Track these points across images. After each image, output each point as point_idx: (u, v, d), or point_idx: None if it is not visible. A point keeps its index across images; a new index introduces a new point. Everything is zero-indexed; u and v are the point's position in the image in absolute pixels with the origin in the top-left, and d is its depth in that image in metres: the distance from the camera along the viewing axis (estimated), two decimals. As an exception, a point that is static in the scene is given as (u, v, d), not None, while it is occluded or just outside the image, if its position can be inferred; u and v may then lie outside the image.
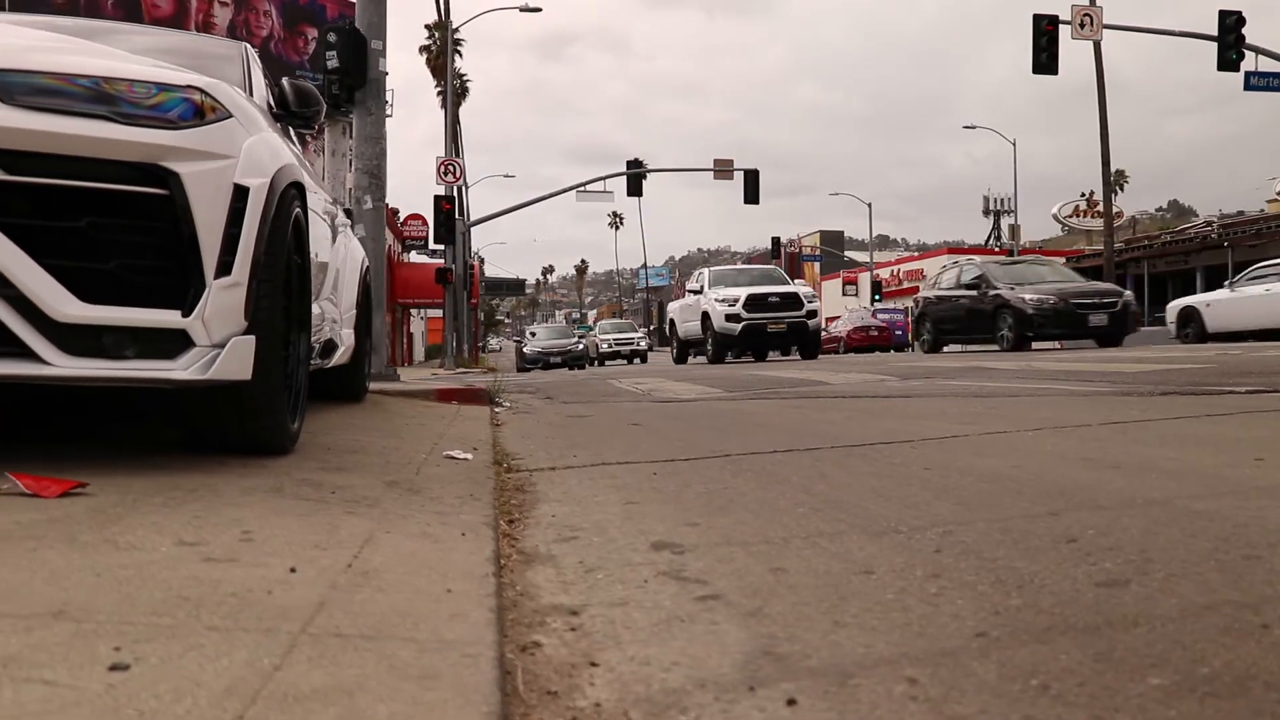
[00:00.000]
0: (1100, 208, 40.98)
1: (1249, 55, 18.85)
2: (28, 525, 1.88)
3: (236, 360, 2.77)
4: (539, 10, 25.26)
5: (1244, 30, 18.48)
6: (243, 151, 2.80)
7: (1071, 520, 2.29)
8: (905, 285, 55.49)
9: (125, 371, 2.58)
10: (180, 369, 2.65)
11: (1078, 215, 54.21)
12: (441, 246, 24.34)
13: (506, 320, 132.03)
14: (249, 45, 4.62)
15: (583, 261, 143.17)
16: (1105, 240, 28.23)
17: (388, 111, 9.04)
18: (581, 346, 25.21)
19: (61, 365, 2.48)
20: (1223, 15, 18.56)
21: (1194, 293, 33.04)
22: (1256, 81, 19.34)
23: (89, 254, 2.52)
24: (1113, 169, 26.43)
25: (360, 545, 1.97)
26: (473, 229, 29.39)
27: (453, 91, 25.00)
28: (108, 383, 2.60)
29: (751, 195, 27.11)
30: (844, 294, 56.63)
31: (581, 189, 29.39)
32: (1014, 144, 40.49)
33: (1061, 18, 18.72)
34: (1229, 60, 18.56)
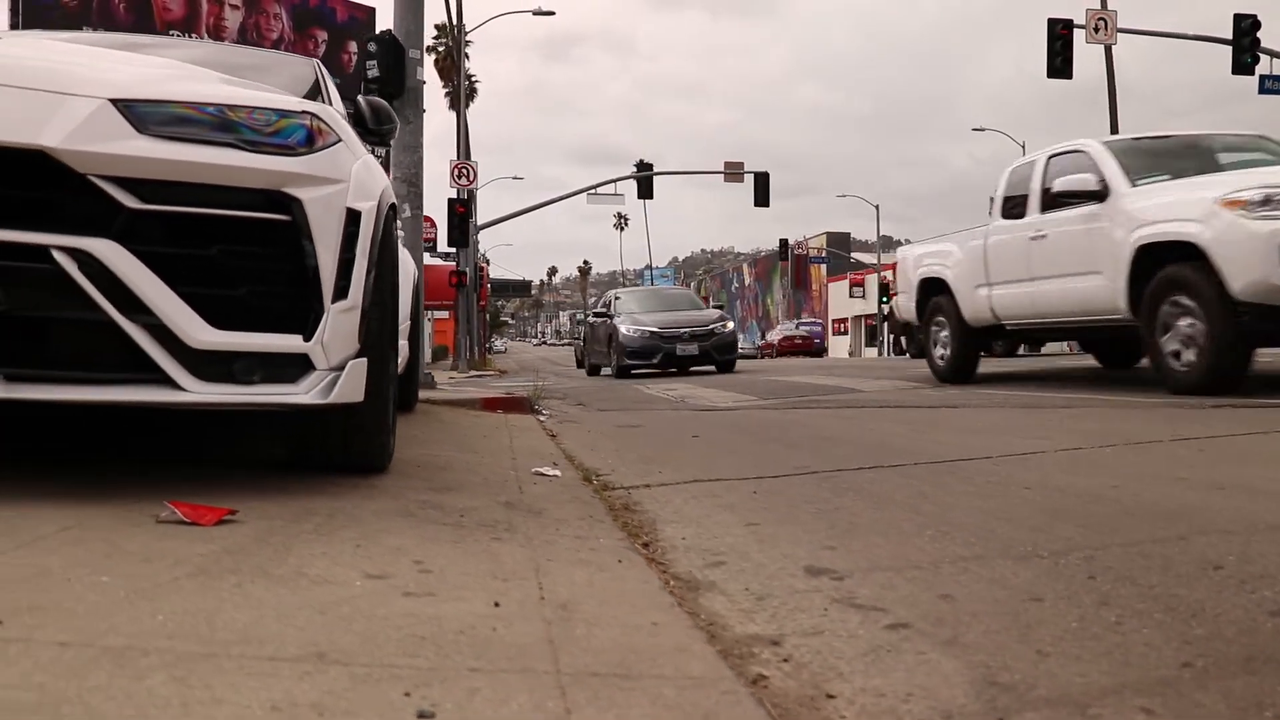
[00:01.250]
0: None
1: (1263, 59, 18.92)
2: (210, 557, 1.90)
3: (353, 383, 2.81)
4: (552, 14, 25.33)
5: (1258, 34, 18.57)
6: (352, 175, 2.83)
7: (1204, 545, 2.33)
8: None
9: (253, 396, 2.61)
10: (302, 393, 2.68)
11: None
12: (452, 249, 24.33)
13: (510, 321, 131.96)
14: (319, 62, 4.65)
15: (586, 263, 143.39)
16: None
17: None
18: (730, 327, 17.87)
19: (196, 391, 2.51)
20: (1237, 19, 18.64)
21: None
22: (1271, 85, 19.42)
23: (219, 280, 2.55)
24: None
25: (533, 575, 2.00)
26: (480, 231, 29.43)
27: (463, 94, 25.00)
28: (236, 408, 2.63)
29: (762, 198, 27.16)
30: (851, 296, 56.55)
31: (592, 191, 29.47)
32: (1023, 146, 40.58)
33: (1076, 22, 18.81)
34: (1244, 64, 18.64)
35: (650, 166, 29.02)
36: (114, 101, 2.51)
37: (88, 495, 2.45)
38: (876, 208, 51.52)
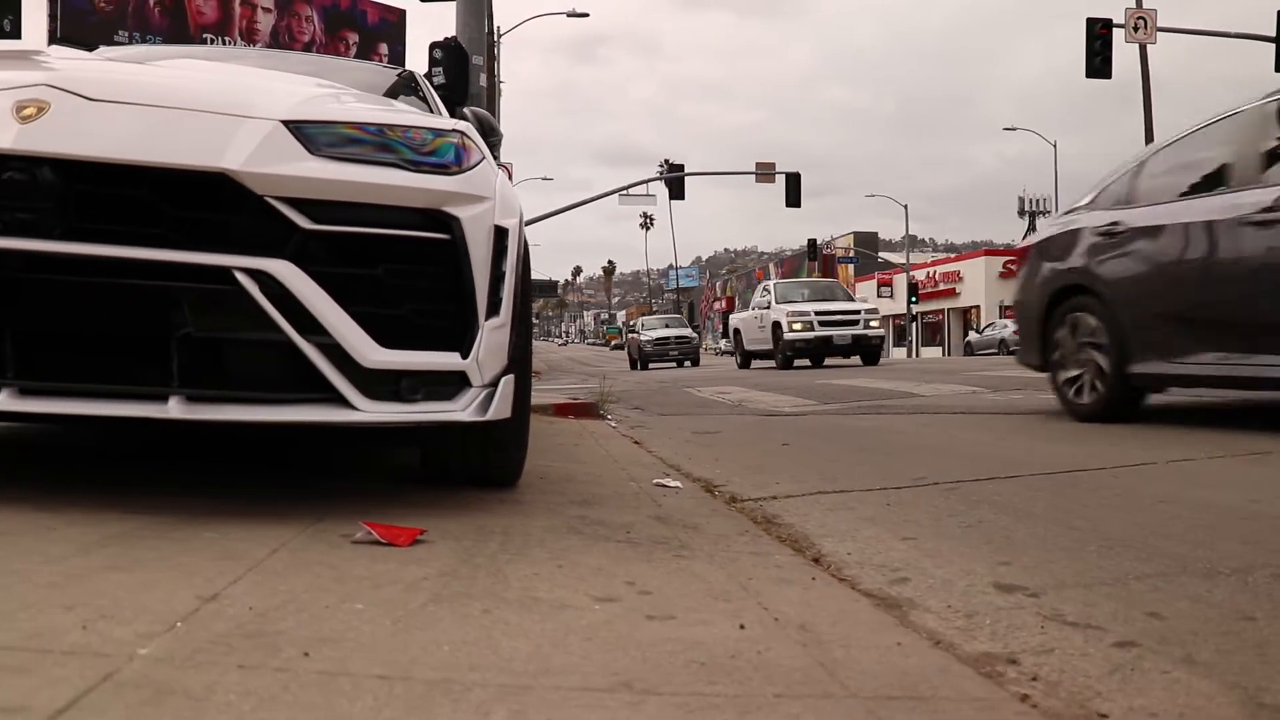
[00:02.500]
0: None
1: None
2: (436, 581, 1.93)
3: (505, 399, 2.84)
4: (586, 15, 25.36)
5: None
6: (496, 192, 2.86)
7: (1382, 562, 2.34)
8: (941, 287, 55.43)
9: (417, 415, 2.64)
10: (460, 410, 2.71)
11: None
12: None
13: (535, 321, 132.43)
14: (420, 74, 4.69)
15: (610, 263, 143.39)
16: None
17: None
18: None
19: (367, 411, 2.54)
20: (1281, 15, 18.57)
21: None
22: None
23: (385, 300, 2.58)
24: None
25: (746, 594, 2.03)
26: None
27: (495, 97, 25.06)
28: (402, 426, 2.67)
29: (793, 198, 27.17)
30: (879, 295, 56.38)
31: (624, 192, 29.57)
32: (1055, 146, 40.43)
33: (1115, 21, 18.74)
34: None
35: (681, 167, 29.02)
36: (286, 123, 2.55)
37: (257, 514, 2.49)
38: (905, 207, 51.44)
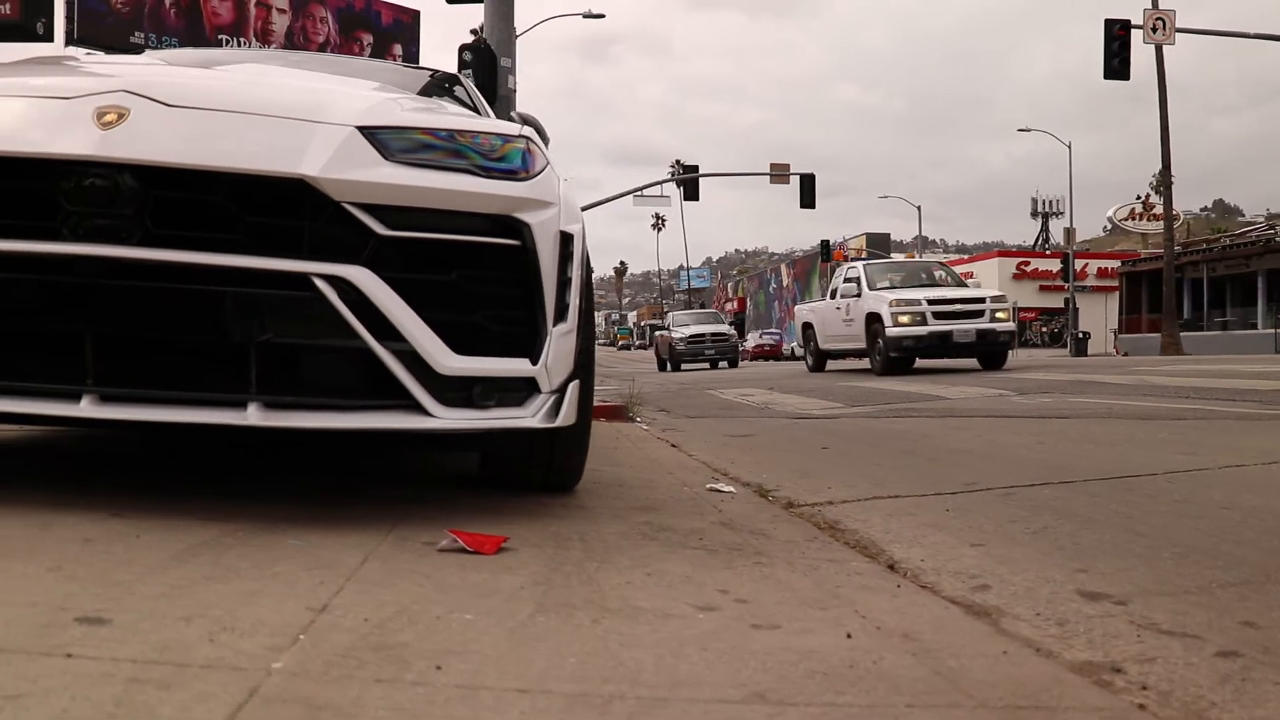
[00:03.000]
0: (1155, 211, 40.79)
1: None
2: (534, 590, 1.93)
3: (572, 405, 2.84)
4: (602, 16, 25.35)
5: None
6: (561, 198, 2.86)
7: None
8: None
9: (489, 422, 2.64)
10: (530, 416, 2.70)
11: (1133, 218, 53.89)
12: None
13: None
14: (463, 76, 4.68)
15: (621, 263, 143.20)
16: (1165, 244, 28.24)
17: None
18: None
19: (442, 417, 2.53)
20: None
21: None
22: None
23: (458, 306, 2.58)
24: (1156, 169, 26.37)
25: (840, 602, 2.03)
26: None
27: (515, 98, 25.09)
28: (474, 433, 2.67)
29: (808, 199, 27.14)
30: (892, 295, 56.40)
31: (639, 193, 29.60)
32: (1069, 146, 40.33)
33: (1133, 22, 18.67)
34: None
35: (696, 168, 29.01)
36: (361, 129, 2.54)
37: (332, 521, 2.49)
38: (919, 209, 51.35)
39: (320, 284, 2.37)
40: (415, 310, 2.47)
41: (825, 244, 54.03)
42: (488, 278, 2.63)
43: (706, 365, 27.64)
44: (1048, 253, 55.54)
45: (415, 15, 22.38)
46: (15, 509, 2.31)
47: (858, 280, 16.47)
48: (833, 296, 17.37)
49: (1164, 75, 20.92)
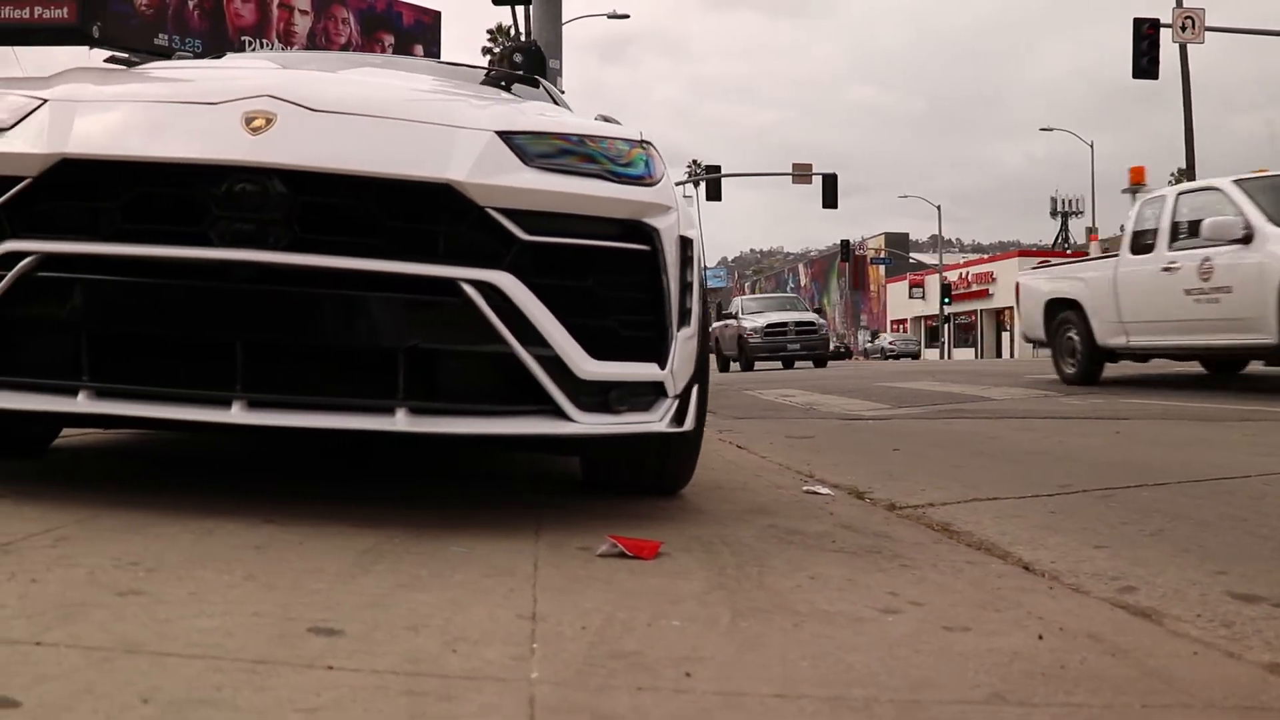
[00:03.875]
0: None
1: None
2: (716, 594, 1.95)
3: (695, 409, 2.86)
4: (626, 17, 25.37)
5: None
6: (678, 203, 2.87)
7: None
8: (974, 288, 55.47)
9: (624, 427, 2.65)
10: (658, 421, 2.72)
11: None
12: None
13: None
14: (545, 81, 4.70)
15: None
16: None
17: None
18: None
19: (582, 422, 2.55)
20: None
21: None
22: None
23: (594, 311, 2.59)
24: (1176, 168, 26.32)
25: (1010, 604, 2.04)
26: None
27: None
28: (608, 439, 2.68)
29: (830, 199, 27.16)
30: (910, 296, 56.21)
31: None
32: (1091, 146, 40.29)
33: (1162, 21, 18.60)
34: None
35: (718, 168, 29.03)
36: (500, 134, 2.56)
37: (479, 526, 2.51)
38: (938, 208, 51.42)
39: (468, 289, 2.38)
40: (556, 315, 2.49)
41: (845, 244, 53.97)
42: (620, 283, 2.65)
43: (779, 364, 22.19)
44: (1069, 252, 55.45)
45: (436, 16, 22.44)
46: (168, 514, 2.33)
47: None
48: None
49: (1188, 74, 20.85)
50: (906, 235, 67.56)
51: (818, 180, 27.87)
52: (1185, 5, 19.33)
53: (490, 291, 2.40)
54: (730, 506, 3.18)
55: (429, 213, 2.43)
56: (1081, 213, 60.08)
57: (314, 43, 21.20)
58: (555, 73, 8.25)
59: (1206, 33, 19.16)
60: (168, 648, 1.34)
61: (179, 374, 2.40)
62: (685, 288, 2.81)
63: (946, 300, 51.12)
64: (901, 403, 8.35)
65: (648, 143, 2.86)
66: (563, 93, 8.61)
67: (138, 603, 1.55)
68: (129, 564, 1.80)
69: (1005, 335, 53.34)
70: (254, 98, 2.46)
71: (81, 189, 2.40)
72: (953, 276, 56.23)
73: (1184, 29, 18.84)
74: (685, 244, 2.83)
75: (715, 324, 22.93)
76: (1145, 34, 18.49)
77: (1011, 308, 51.16)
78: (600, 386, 2.59)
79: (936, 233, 55.46)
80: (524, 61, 7.92)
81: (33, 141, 2.43)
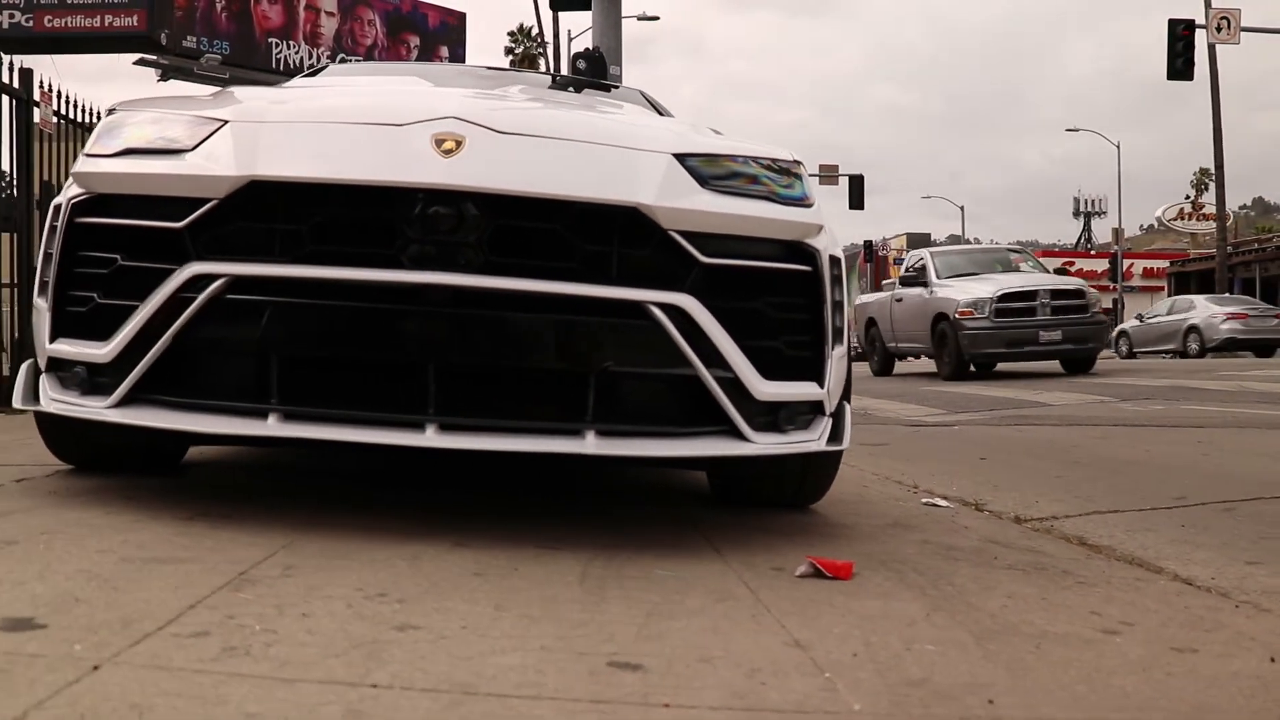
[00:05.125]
0: (1205, 210, 40.68)
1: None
2: (939, 615, 1.99)
3: (848, 427, 2.89)
4: (656, 19, 25.47)
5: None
6: (828, 222, 2.90)
7: None
8: None
9: (791, 447, 2.69)
10: (816, 439, 2.77)
11: (1182, 218, 53.61)
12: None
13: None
14: (644, 91, 4.73)
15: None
16: (1219, 245, 28.18)
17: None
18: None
19: (758, 442, 2.59)
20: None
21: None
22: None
23: (765, 332, 2.63)
24: (1197, 167, 26.29)
25: (1209, 623, 2.08)
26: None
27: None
28: (776, 457, 2.72)
29: (856, 200, 27.19)
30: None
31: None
32: (1118, 146, 40.25)
33: (1196, 21, 18.53)
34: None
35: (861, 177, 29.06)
36: (677, 156, 2.59)
37: (658, 547, 2.54)
38: (961, 209, 51.46)
39: (656, 312, 2.42)
40: (732, 337, 2.52)
41: (869, 244, 54.04)
42: (784, 304, 2.69)
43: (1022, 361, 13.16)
44: (1091, 252, 55.42)
45: (461, 17, 22.47)
46: (358, 537, 2.36)
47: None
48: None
49: (1217, 75, 20.80)
50: (929, 235, 67.37)
51: (843, 181, 27.88)
52: (1214, 5, 19.30)
53: (676, 314, 2.44)
54: (866, 521, 3.21)
55: (614, 235, 2.46)
56: (1104, 213, 60.00)
57: (340, 44, 21.26)
58: (615, 78, 8.29)
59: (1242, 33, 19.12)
60: (497, 688, 1.38)
61: (369, 397, 2.43)
62: (836, 306, 2.84)
63: (971, 300, 51.11)
64: (957, 407, 8.37)
65: (799, 162, 2.89)
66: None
67: (423, 638, 1.59)
68: (376, 595, 1.84)
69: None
70: (440, 119, 2.48)
71: (269, 211, 2.42)
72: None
73: (1219, 29, 18.79)
74: (835, 263, 2.87)
75: (866, 299, 16.44)
76: (1180, 35, 18.38)
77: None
78: (769, 407, 2.63)
79: (955, 233, 55.50)
80: (587, 68, 7.98)
81: (218, 163, 2.45)
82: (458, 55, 22.22)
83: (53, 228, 2.74)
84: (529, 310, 2.40)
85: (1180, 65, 18.48)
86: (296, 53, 20.76)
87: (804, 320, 2.73)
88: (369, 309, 2.38)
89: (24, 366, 2.88)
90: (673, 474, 3.97)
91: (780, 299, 2.68)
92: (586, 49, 8.22)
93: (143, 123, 2.65)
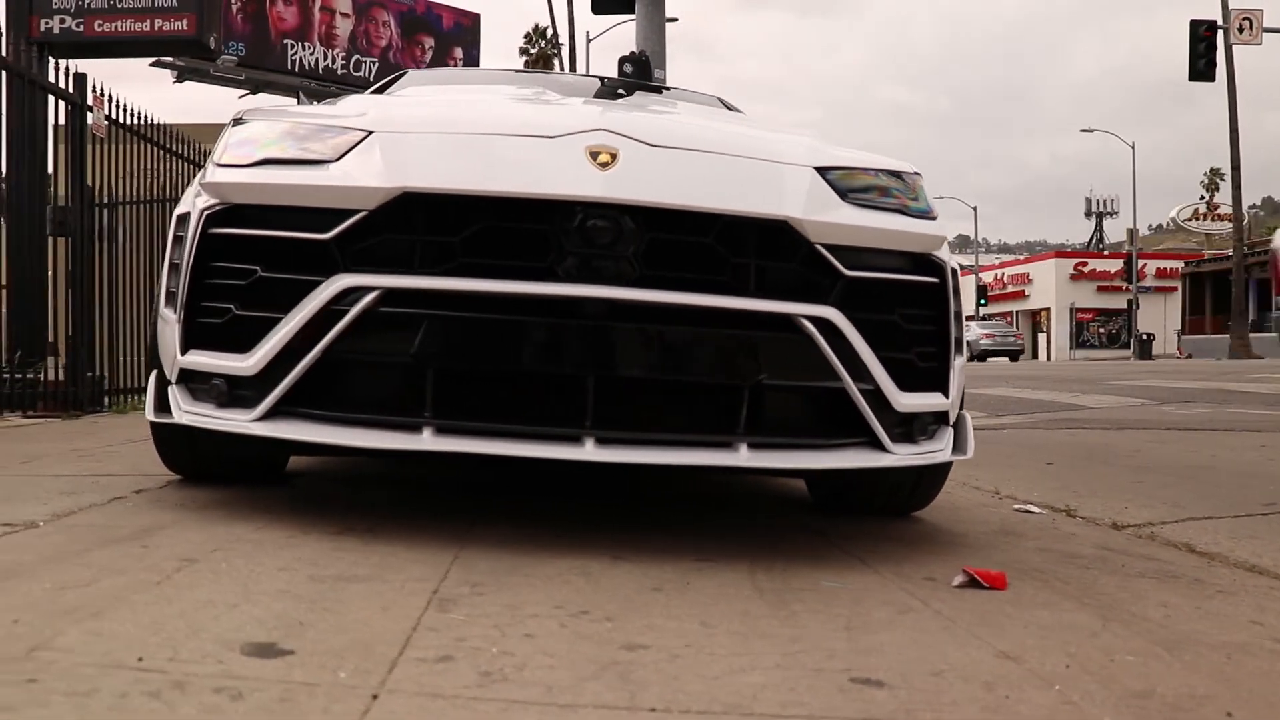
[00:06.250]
0: (1219, 211, 40.77)
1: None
2: (1115, 628, 2.00)
3: (970, 437, 2.93)
4: (674, 20, 25.38)
5: None
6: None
7: None
8: (1010, 289, 55.72)
9: (923, 457, 2.74)
10: (943, 449, 2.81)
11: (1197, 218, 53.73)
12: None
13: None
14: (721, 97, 4.76)
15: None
16: (1235, 245, 28.27)
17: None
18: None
19: (897, 454, 2.64)
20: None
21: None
22: None
23: (900, 344, 2.68)
24: (1206, 167, 26.36)
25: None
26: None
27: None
28: (912, 466, 2.76)
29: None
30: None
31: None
32: (1133, 147, 40.32)
33: (1216, 23, 18.55)
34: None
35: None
36: (818, 169, 2.63)
37: (796, 556, 2.57)
38: (975, 209, 51.44)
39: (808, 325, 2.46)
40: (872, 349, 2.56)
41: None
42: (915, 315, 2.74)
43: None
44: (1105, 253, 55.51)
45: (476, 18, 22.50)
46: (520, 548, 2.40)
47: None
48: None
49: (1234, 76, 20.84)
50: (940, 235, 67.60)
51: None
52: (1232, 6, 19.32)
53: (825, 327, 2.47)
54: (972, 528, 3.25)
55: (764, 249, 2.50)
56: (1116, 213, 60.16)
57: (355, 46, 21.29)
58: (660, 81, 8.32)
59: (1264, 34, 19.12)
60: (766, 708, 1.41)
61: (522, 411, 2.46)
62: (957, 317, 2.89)
63: (983, 302, 51.29)
64: (1000, 410, 8.41)
65: (919, 174, 2.93)
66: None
67: (659, 658, 1.61)
68: (579, 613, 1.86)
69: (1041, 337, 53.41)
70: (591, 132, 2.51)
71: (421, 223, 2.43)
72: (988, 278, 56.51)
73: (1241, 30, 18.82)
74: (954, 274, 2.91)
75: None
76: (1202, 36, 18.37)
77: (1048, 309, 51.10)
78: (904, 418, 2.67)
79: (965, 233, 55.59)
80: (633, 71, 8.01)
81: (368, 174, 2.45)
82: (472, 57, 22.24)
83: (178, 238, 2.75)
84: (681, 323, 2.43)
85: (1202, 66, 18.49)
86: (311, 54, 20.81)
87: (931, 331, 2.78)
88: (527, 322, 2.39)
89: (152, 377, 2.90)
90: (759, 481, 4.01)
91: (912, 310, 2.73)
92: (632, 53, 8.27)
93: (278, 133, 2.66)
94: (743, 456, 2.45)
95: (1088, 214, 65.38)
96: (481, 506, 3.21)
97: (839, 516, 3.28)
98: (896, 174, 2.84)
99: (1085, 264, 53.52)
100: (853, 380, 2.51)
